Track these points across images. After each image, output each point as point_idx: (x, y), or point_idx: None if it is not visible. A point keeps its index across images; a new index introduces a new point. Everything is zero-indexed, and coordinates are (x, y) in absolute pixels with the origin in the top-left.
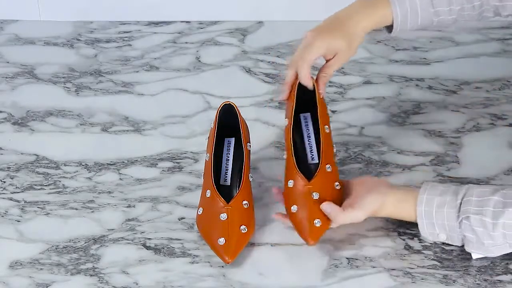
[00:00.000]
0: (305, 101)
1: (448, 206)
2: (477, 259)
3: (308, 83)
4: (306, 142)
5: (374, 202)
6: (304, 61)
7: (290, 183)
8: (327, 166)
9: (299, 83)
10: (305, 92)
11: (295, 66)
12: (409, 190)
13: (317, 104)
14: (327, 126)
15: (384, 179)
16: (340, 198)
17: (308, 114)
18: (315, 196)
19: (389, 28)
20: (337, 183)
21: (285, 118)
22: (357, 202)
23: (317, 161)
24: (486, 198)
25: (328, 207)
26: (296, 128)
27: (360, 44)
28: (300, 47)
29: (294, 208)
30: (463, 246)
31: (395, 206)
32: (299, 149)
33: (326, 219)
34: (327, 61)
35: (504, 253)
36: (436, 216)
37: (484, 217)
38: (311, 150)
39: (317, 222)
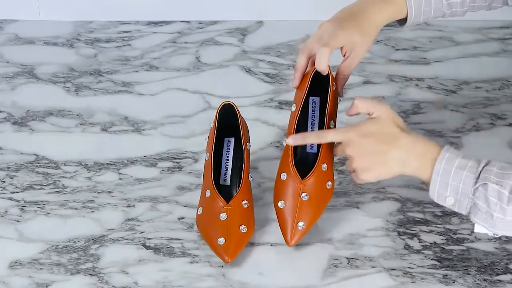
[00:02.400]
0: (318, 86)
1: (469, 170)
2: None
3: (324, 68)
4: (309, 129)
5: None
6: (327, 45)
7: (283, 176)
8: (324, 165)
9: (315, 70)
10: (320, 77)
11: (308, 52)
12: (429, 143)
13: (328, 97)
14: (333, 122)
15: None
16: (329, 198)
17: (317, 99)
18: (305, 197)
19: (400, 21)
20: (329, 183)
21: (294, 103)
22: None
23: (315, 151)
24: (508, 172)
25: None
26: (303, 111)
27: (373, 40)
28: (319, 34)
29: (281, 204)
30: (464, 217)
31: (409, 153)
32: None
33: (310, 221)
34: (343, 60)
35: (507, 234)
36: (453, 176)
37: (502, 189)
38: None
39: (301, 225)
